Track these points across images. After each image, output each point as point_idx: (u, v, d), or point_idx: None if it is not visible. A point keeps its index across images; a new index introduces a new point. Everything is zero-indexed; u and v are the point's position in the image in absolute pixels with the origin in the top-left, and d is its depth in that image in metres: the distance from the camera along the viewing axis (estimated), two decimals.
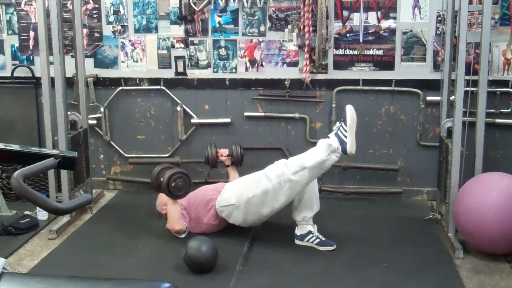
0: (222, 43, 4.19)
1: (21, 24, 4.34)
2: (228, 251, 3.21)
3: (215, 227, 3.51)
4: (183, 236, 3.45)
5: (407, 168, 4.21)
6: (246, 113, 4.27)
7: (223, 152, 3.94)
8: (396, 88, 4.08)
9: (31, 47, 4.36)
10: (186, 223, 3.47)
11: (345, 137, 3.15)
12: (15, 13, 4.33)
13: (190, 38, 4.22)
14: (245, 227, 3.50)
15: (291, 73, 4.15)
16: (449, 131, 3.50)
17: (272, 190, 3.25)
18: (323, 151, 3.18)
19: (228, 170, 3.95)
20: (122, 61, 4.31)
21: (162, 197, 3.72)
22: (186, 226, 3.47)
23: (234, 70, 4.22)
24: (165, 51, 4.26)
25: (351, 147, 3.14)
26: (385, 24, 4.02)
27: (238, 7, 4.11)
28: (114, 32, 4.27)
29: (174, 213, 3.43)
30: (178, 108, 4.28)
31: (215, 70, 4.24)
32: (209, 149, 3.93)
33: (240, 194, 3.37)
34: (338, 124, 3.23)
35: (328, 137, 3.23)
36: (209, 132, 4.31)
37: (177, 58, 4.26)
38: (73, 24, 3.88)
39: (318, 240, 3.36)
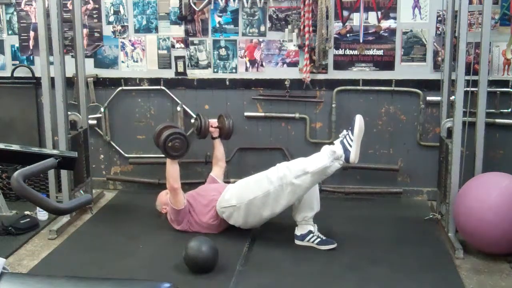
0: (222, 43, 4.19)
1: (21, 24, 4.34)
2: (228, 251, 3.21)
3: (215, 228, 3.51)
4: (181, 207, 3.48)
5: (407, 168, 4.21)
6: (246, 113, 4.27)
7: (212, 123, 3.86)
8: (396, 88, 4.08)
9: (31, 47, 4.36)
10: (186, 201, 3.50)
11: (350, 146, 3.16)
12: (15, 13, 4.33)
13: (190, 38, 4.22)
14: (245, 228, 3.50)
15: (291, 73, 4.15)
16: (449, 131, 3.50)
17: (273, 192, 3.26)
18: (326, 158, 3.18)
19: (215, 142, 3.90)
20: (122, 61, 4.31)
21: (162, 197, 3.73)
22: (185, 202, 3.49)
23: (234, 70, 4.22)
24: (165, 51, 4.26)
25: (354, 157, 3.16)
26: (385, 24, 4.02)
27: (238, 7, 4.11)
28: (114, 32, 4.27)
29: (172, 170, 3.48)
30: (178, 108, 4.28)
31: (215, 70, 4.24)
32: (202, 118, 3.81)
33: (241, 195, 3.37)
34: (344, 132, 3.23)
35: (333, 144, 3.24)
36: None
37: (177, 58, 4.26)
38: (73, 24, 3.88)
39: (318, 239, 3.36)
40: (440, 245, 3.41)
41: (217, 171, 3.89)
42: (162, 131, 3.58)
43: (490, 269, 3.13)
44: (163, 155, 4.31)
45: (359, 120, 3.19)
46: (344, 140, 3.19)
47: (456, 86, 3.32)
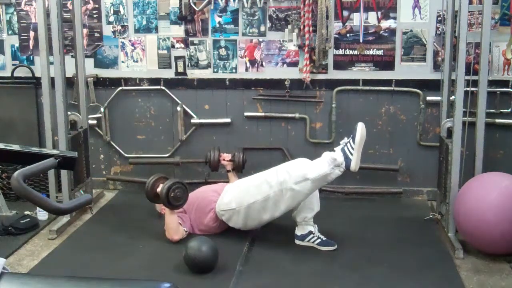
0: (222, 43, 4.19)
1: (21, 24, 4.34)
2: (228, 251, 3.21)
3: (214, 229, 3.51)
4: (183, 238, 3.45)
5: (407, 168, 4.21)
6: (246, 113, 4.27)
7: (226, 156, 3.92)
8: (396, 88, 4.08)
9: (31, 47, 4.36)
10: (185, 228, 3.47)
11: (351, 154, 3.15)
12: (15, 13, 4.33)
13: (190, 38, 4.22)
14: (245, 230, 3.50)
15: (291, 73, 4.15)
16: (449, 131, 3.50)
17: (273, 197, 3.25)
18: (327, 165, 3.17)
19: (229, 175, 3.94)
20: (122, 61, 4.31)
21: None
22: (186, 230, 3.46)
23: (234, 70, 4.22)
24: (165, 51, 4.26)
25: (355, 165, 3.16)
26: (385, 24, 4.02)
27: (238, 7, 4.11)
28: (114, 32, 4.27)
29: (172, 223, 3.41)
30: (178, 108, 4.28)
31: (215, 70, 4.24)
32: (212, 152, 3.93)
33: (241, 199, 3.36)
34: (346, 139, 3.22)
35: (334, 150, 3.24)
36: (209, 132, 4.31)
37: (177, 58, 4.26)
38: (73, 24, 3.88)
39: (319, 240, 3.36)
40: (440, 245, 3.41)
41: None
42: (156, 184, 3.51)
43: (490, 269, 3.13)
44: (163, 155, 4.36)
45: (360, 129, 3.18)
46: (345, 148, 3.18)
47: (456, 86, 3.32)
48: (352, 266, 3.13)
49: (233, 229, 3.49)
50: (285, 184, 3.21)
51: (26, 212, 3.82)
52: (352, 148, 3.15)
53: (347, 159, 3.16)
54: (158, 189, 3.47)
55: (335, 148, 3.26)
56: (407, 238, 3.51)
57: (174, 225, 3.41)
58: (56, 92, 3.68)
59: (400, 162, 4.20)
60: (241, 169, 3.95)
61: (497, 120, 3.97)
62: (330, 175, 3.18)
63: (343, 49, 4.09)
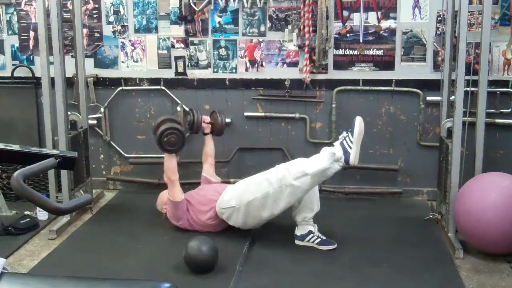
0: (222, 43, 4.19)
1: (21, 24, 4.34)
2: (228, 251, 3.21)
3: (214, 227, 3.51)
4: (178, 200, 3.50)
5: (407, 168, 4.21)
6: (246, 113, 4.27)
7: (205, 118, 3.90)
8: (396, 88, 4.08)
9: (31, 47, 4.36)
10: (183, 197, 3.54)
11: (350, 148, 3.15)
12: (15, 13, 4.33)
13: (190, 38, 4.22)
14: (245, 229, 3.50)
15: (291, 73, 4.15)
16: (449, 131, 3.50)
17: (272, 194, 3.25)
18: (326, 159, 3.18)
19: (206, 138, 3.93)
20: (122, 61, 4.31)
21: (163, 197, 3.73)
22: (182, 197, 3.51)
23: (234, 70, 4.22)
24: (165, 51, 4.26)
25: (354, 159, 3.15)
26: (385, 24, 4.02)
27: (238, 7, 4.11)
28: (114, 32, 4.27)
29: (169, 164, 3.56)
30: (178, 108, 4.28)
31: (215, 70, 4.24)
32: (195, 113, 3.84)
33: (241, 196, 3.37)
34: (344, 134, 3.23)
35: (333, 145, 3.24)
36: None
37: (177, 58, 4.26)
38: (73, 24, 3.88)
39: (319, 239, 3.36)
40: (440, 245, 3.41)
41: (207, 168, 3.90)
42: (160, 125, 3.60)
43: (490, 269, 3.13)
44: (163, 155, 4.35)
45: (359, 122, 3.18)
46: (344, 142, 3.19)
47: (456, 86, 3.32)
48: (352, 266, 3.13)
49: (233, 228, 3.50)
50: (285, 181, 3.21)
51: (26, 212, 3.82)
52: (351, 142, 3.16)
53: (346, 153, 3.16)
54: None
55: (334, 143, 3.26)
56: (407, 238, 3.52)
57: (172, 166, 3.54)
58: (56, 92, 3.68)
59: (400, 162, 4.20)
60: (221, 132, 3.92)
61: (497, 120, 3.97)
62: (329, 169, 3.18)
63: (343, 49, 4.09)
